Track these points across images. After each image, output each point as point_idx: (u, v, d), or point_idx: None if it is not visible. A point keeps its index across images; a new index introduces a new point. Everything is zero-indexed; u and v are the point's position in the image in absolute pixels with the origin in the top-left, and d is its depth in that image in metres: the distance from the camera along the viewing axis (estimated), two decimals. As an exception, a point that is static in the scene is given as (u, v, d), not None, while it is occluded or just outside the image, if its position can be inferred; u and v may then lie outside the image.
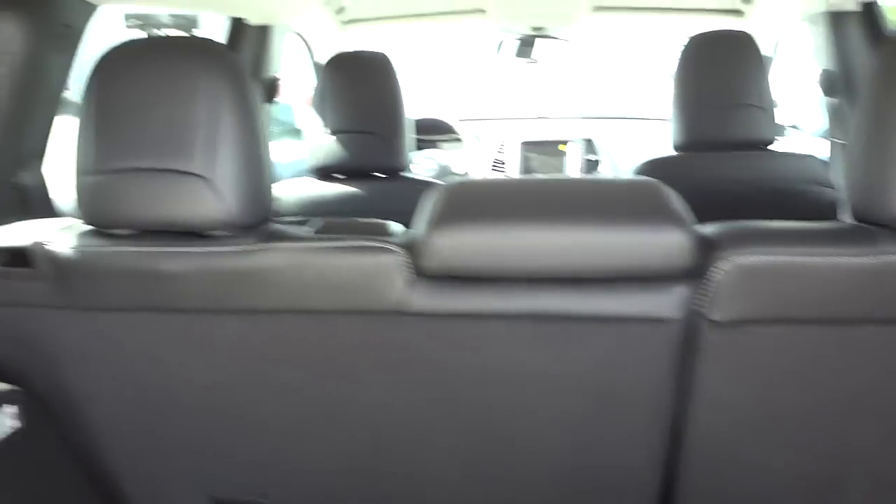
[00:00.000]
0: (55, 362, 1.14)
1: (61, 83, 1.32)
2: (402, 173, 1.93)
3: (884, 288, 0.95)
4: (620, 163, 3.11)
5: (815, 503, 1.18)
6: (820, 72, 2.21)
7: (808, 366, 1.04)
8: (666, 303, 0.99)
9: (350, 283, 1.02)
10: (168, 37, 1.06)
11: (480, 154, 3.12)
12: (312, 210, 1.84)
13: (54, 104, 1.32)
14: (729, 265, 0.96)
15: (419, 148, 3.17)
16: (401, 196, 1.87)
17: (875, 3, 2.06)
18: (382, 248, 1.01)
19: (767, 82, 1.87)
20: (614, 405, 1.09)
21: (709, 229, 1.03)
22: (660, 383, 1.06)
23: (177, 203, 1.00)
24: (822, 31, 2.17)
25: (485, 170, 3.12)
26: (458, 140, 3.10)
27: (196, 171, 0.98)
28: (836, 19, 2.11)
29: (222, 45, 1.04)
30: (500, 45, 3.12)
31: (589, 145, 3.15)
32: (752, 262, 0.96)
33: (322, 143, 1.86)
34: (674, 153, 1.98)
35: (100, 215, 1.04)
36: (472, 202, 1.02)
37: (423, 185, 1.90)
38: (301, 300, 1.04)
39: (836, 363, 1.03)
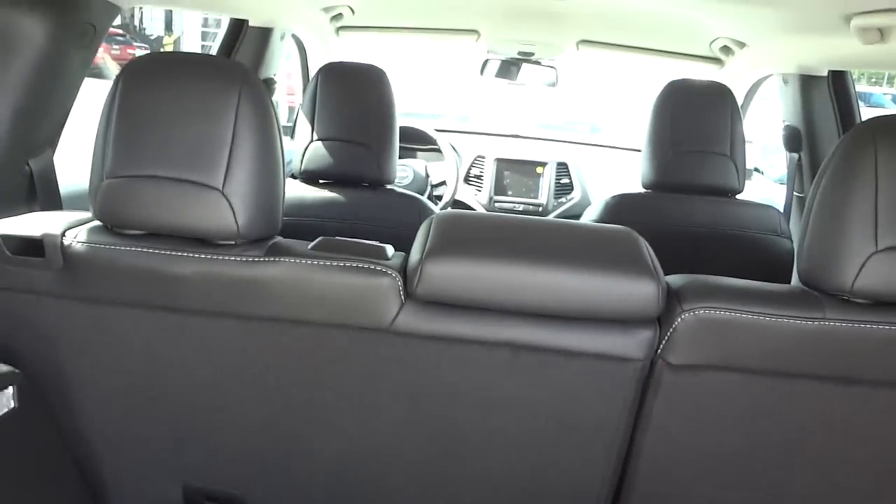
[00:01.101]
0: (53, 348, 1.20)
1: (79, 78, 1.38)
2: (388, 185, 2.00)
3: (824, 349, 1.07)
4: (591, 189, 3.23)
5: None
6: (784, 126, 2.35)
7: (752, 411, 1.15)
8: (631, 344, 1.10)
9: (345, 300, 1.10)
10: (195, 53, 1.13)
11: (457, 167, 3.19)
12: (295, 212, 1.90)
13: (70, 97, 1.38)
14: (690, 316, 1.07)
15: (400, 156, 3.24)
16: (385, 207, 1.94)
17: (845, 72, 2.21)
18: (379, 270, 1.09)
19: (741, 134, 1.99)
20: (574, 433, 1.19)
21: (675, 280, 1.14)
22: (618, 416, 1.17)
23: (190, 211, 1.07)
24: (790, 90, 2.31)
25: (460, 183, 3.20)
26: (438, 151, 3.18)
27: (213, 185, 1.06)
28: (806, 81, 2.25)
29: (246, 67, 1.11)
30: (484, 64, 3.20)
31: (563, 169, 3.25)
32: (710, 316, 1.07)
33: (310, 147, 1.91)
34: (641, 190, 2.09)
35: (114, 215, 1.10)
36: (464, 236, 1.11)
37: (407, 200, 1.98)
38: (298, 312, 1.12)
39: (777, 411, 1.15)
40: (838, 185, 1.07)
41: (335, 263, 1.10)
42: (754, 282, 1.15)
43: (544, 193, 3.21)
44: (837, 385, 1.11)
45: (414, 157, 3.25)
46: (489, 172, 3.23)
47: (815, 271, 1.09)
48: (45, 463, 1.23)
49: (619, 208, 2.01)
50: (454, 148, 3.26)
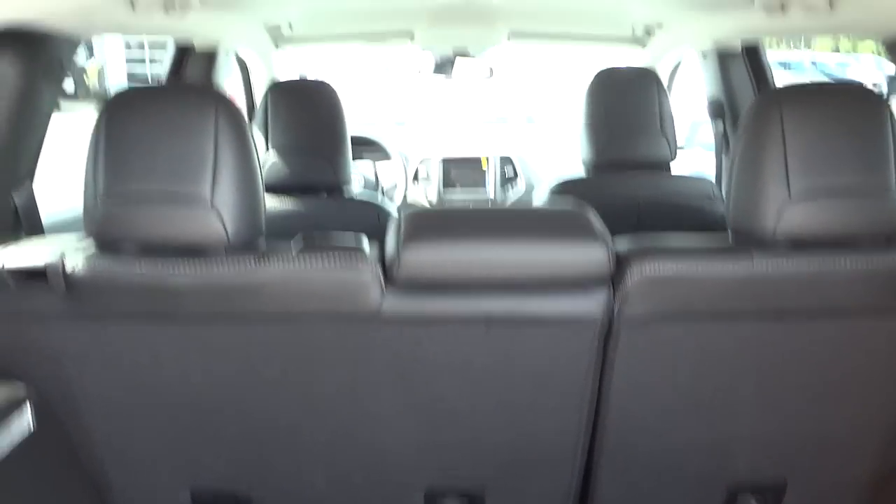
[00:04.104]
0: (60, 368, 1.28)
1: (50, 110, 1.45)
2: (344, 191, 2.10)
3: (755, 290, 1.22)
4: (535, 177, 3.36)
5: (707, 465, 1.45)
6: (708, 99, 2.53)
7: (701, 354, 1.30)
8: (589, 305, 1.23)
9: (331, 292, 1.21)
10: (172, 83, 1.22)
11: (405, 168, 3.31)
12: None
13: (43, 129, 1.45)
14: (637, 274, 1.21)
15: None
16: (345, 214, 2.05)
17: (757, 47, 2.39)
18: (360, 261, 1.20)
19: (669, 111, 2.15)
20: (548, 393, 1.32)
21: (621, 244, 1.28)
22: (585, 373, 1.30)
23: (182, 224, 1.16)
24: (710, 65, 2.49)
25: (409, 182, 3.31)
26: (386, 154, 3.29)
27: (201, 197, 1.15)
28: (723, 55, 2.43)
29: (223, 91, 1.21)
30: (421, 63, 3.32)
31: (506, 161, 3.39)
32: (654, 272, 1.21)
33: (266, 161, 1.99)
34: (582, 174, 2.24)
35: (109, 235, 1.19)
36: (433, 224, 1.23)
37: (365, 205, 2.09)
38: (289, 307, 1.22)
39: (723, 352, 1.30)
40: (752, 147, 1.22)
41: (322, 261, 1.20)
42: (691, 235, 1.29)
43: (491, 186, 3.35)
44: (771, 321, 1.27)
45: (363, 160, 3.35)
46: (436, 171, 3.35)
47: (741, 223, 1.24)
48: (58, 479, 1.31)
49: (564, 191, 2.15)
50: (401, 152, 3.38)
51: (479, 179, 3.36)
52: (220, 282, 1.19)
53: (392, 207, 2.22)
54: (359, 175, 3.22)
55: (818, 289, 1.23)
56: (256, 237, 1.24)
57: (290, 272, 1.20)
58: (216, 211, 1.16)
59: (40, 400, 1.21)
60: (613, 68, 2.23)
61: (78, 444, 1.36)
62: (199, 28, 2.13)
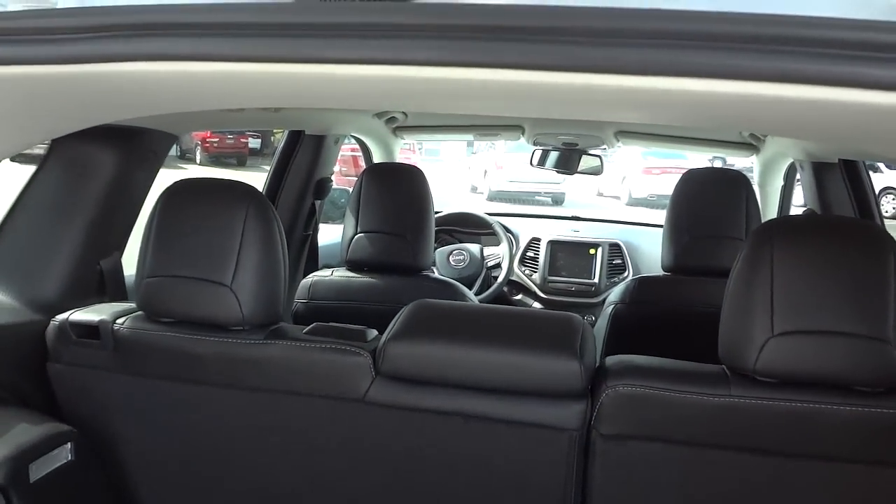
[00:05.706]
0: (105, 411, 1.49)
1: (143, 193, 1.71)
2: (424, 272, 2.23)
3: (731, 423, 1.22)
4: (644, 269, 3.34)
5: None
6: (804, 209, 2.46)
7: (679, 479, 1.29)
8: (565, 415, 1.27)
9: (327, 376, 1.34)
10: (218, 179, 1.43)
11: (510, 250, 3.40)
12: (340, 296, 2.17)
13: (136, 209, 1.72)
14: (612, 391, 1.25)
15: (459, 241, 3.49)
16: (417, 292, 2.18)
17: (855, 162, 2.31)
18: (353, 351, 1.33)
19: (757, 218, 2.11)
20: (523, 495, 1.36)
21: (610, 359, 1.32)
22: (563, 482, 1.33)
23: (207, 304, 1.36)
24: (806, 176, 2.43)
25: (515, 265, 3.41)
26: (494, 235, 3.41)
27: (223, 282, 1.34)
28: (818, 168, 2.36)
29: (257, 190, 1.40)
30: (541, 156, 3.38)
31: (616, 250, 3.40)
32: (628, 392, 1.24)
33: (355, 239, 2.17)
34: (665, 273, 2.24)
35: (151, 307, 1.41)
36: (422, 322, 1.34)
37: (441, 285, 2.21)
38: (290, 385, 1.36)
39: (701, 480, 1.29)
40: (743, 277, 1.23)
41: (319, 345, 1.34)
42: (677, 361, 1.31)
43: (597, 274, 3.37)
44: (754, 456, 1.24)
45: (478, 241, 3.48)
46: (543, 254, 3.41)
47: (727, 352, 1.24)
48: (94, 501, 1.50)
49: (638, 290, 2.17)
50: (510, 230, 3.48)
51: (585, 266, 3.39)
52: (231, 354, 1.37)
53: (469, 293, 2.33)
54: (465, 253, 3.35)
55: (802, 428, 1.20)
56: (274, 320, 1.40)
57: (292, 353, 1.35)
58: (234, 294, 1.34)
59: (85, 440, 1.41)
60: (703, 169, 2.24)
61: (113, 480, 1.56)
62: (302, 119, 2.38)
